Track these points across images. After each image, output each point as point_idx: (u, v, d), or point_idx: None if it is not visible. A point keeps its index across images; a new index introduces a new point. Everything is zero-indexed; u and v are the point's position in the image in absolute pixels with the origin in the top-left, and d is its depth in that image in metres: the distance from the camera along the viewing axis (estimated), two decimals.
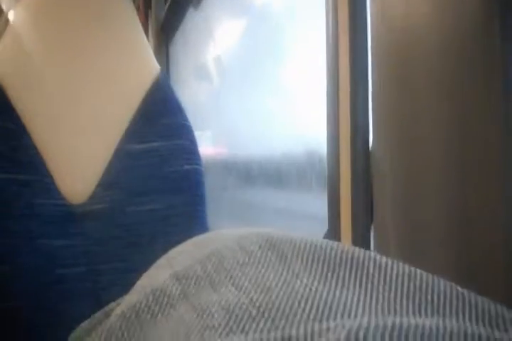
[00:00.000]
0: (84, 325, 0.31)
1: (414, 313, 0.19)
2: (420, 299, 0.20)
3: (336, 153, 0.53)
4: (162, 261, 0.28)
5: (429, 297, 0.20)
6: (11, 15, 0.93)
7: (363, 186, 0.50)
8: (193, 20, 1.38)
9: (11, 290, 0.74)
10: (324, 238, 0.59)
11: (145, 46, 0.94)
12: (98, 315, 0.31)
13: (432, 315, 0.19)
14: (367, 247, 0.49)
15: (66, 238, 0.78)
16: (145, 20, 1.56)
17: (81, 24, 0.88)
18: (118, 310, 0.24)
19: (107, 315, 0.28)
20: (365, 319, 0.16)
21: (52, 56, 0.86)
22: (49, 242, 0.77)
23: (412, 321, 0.16)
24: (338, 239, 0.50)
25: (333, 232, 0.51)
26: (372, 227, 0.48)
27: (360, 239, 0.49)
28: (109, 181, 0.82)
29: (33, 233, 0.76)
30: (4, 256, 0.74)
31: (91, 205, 0.81)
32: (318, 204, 0.62)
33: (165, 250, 0.90)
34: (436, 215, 0.40)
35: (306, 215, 0.86)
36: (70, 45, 0.87)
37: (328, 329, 0.16)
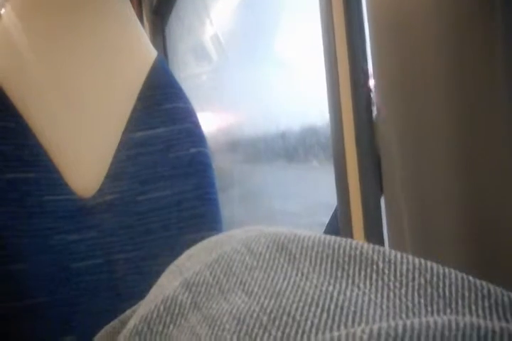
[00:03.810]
0: (101, 334, 0.32)
1: (426, 309, 0.19)
2: (432, 293, 0.19)
3: (339, 125, 0.52)
4: (172, 267, 0.27)
5: (441, 291, 0.19)
6: (2, 13, 0.92)
7: (370, 157, 0.49)
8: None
9: (29, 287, 0.75)
10: (335, 212, 0.58)
11: (140, 32, 0.93)
12: (114, 323, 0.31)
13: (444, 309, 0.19)
14: (378, 219, 0.48)
15: (79, 232, 0.79)
16: (138, 4, 1.54)
17: (72, 17, 0.87)
18: (131, 323, 0.24)
19: (123, 323, 0.28)
20: (376, 325, 0.16)
21: (47, 51, 0.86)
22: (63, 237, 0.78)
23: (424, 320, 0.15)
24: (349, 213, 0.49)
25: (343, 206, 0.50)
26: (383, 198, 0.48)
27: (371, 211, 0.48)
28: (117, 171, 0.82)
29: (46, 230, 0.77)
30: (20, 255, 0.75)
31: (101, 197, 0.81)
32: None
33: (179, 235, 0.90)
34: (446, 182, 0.39)
35: None
36: (63, 39, 0.86)
37: (339, 339, 0.16)
